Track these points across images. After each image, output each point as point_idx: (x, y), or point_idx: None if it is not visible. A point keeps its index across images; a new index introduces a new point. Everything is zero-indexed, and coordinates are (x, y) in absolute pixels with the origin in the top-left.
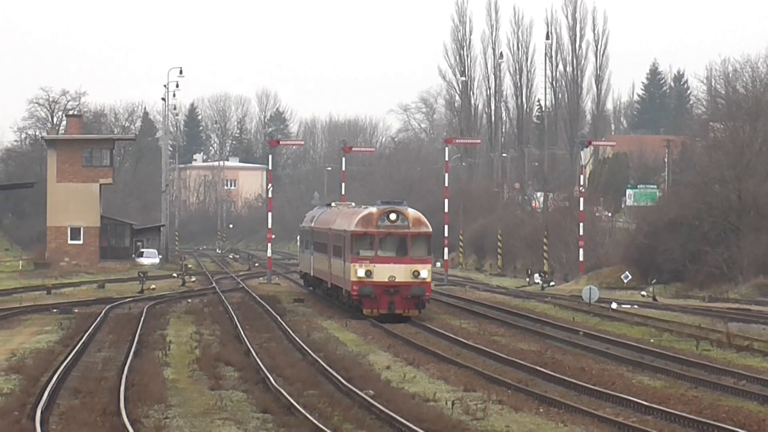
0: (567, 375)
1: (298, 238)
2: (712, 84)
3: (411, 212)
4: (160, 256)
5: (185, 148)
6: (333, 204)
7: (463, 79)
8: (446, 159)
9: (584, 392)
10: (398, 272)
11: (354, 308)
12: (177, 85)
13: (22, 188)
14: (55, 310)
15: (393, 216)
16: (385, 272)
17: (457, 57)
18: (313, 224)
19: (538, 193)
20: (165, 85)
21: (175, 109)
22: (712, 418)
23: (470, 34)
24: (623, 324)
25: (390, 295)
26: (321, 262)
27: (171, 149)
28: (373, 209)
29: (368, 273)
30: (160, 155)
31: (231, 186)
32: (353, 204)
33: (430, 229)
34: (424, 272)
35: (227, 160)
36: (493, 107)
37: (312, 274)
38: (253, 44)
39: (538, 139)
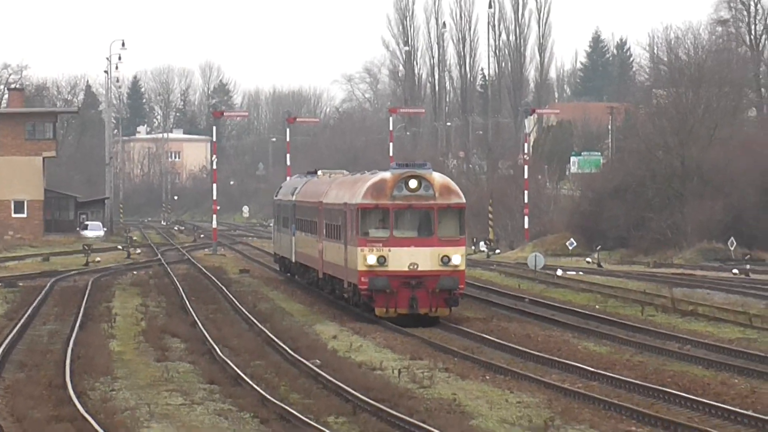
0: (513, 342)
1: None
2: (655, 51)
3: (437, 177)
4: (105, 229)
5: (129, 121)
6: (320, 172)
7: (407, 48)
8: (390, 128)
9: (530, 359)
10: (421, 258)
11: (361, 306)
12: (119, 58)
13: None
14: None
15: (413, 183)
16: (404, 258)
17: (401, 27)
18: (294, 197)
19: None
20: (107, 58)
21: (117, 81)
22: (657, 383)
23: (413, 4)
24: (569, 291)
25: (411, 289)
26: (308, 245)
27: (114, 122)
28: (387, 174)
29: (381, 260)
30: (104, 128)
31: (175, 158)
32: (345, 172)
33: (463, 200)
34: (456, 257)
35: (171, 132)
36: (436, 77)
37: (294, 260)
38: (196, 16)
39: (482, 107)
